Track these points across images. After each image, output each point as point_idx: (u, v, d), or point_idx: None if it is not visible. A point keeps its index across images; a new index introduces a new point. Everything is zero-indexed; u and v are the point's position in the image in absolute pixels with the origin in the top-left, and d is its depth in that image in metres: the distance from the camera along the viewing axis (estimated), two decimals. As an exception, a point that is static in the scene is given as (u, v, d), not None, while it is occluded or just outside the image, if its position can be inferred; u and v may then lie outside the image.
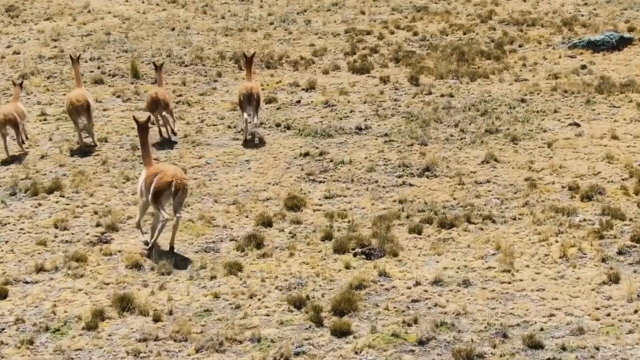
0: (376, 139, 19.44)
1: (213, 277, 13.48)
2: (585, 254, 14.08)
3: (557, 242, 14.44)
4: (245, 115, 19.16)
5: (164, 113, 19.27)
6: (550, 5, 31.62)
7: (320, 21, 31.05)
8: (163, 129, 19.72)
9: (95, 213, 15.72)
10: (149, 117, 16.00)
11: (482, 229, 15.10)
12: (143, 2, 33.52)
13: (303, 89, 23.23)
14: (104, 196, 16.47)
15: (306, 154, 18.48)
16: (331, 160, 18.18)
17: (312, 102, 22.14)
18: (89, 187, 16.74)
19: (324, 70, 24.87)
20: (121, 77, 24.02)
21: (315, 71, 24.99)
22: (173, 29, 29.56)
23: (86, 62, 25.29)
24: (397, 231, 15.03)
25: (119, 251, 14.39)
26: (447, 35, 28.65)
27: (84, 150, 18.73)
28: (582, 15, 29.99)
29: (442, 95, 22.46)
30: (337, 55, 26.65)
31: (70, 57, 20.44)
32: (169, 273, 13.58)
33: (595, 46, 25.81)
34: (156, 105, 19.08)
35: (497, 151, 18.50)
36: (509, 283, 13.20)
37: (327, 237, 14.78)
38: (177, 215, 14.09)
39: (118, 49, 26.82)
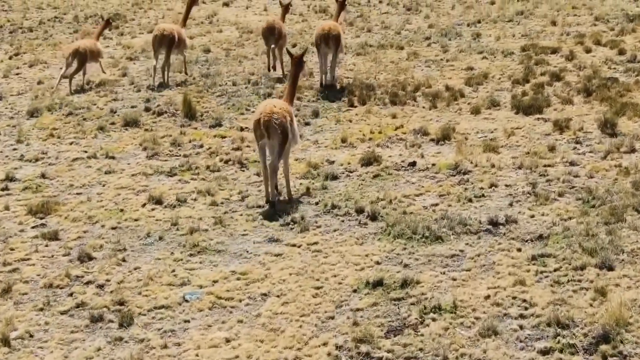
0: (519, 250, 9.82)
1: None
2: None
3: None
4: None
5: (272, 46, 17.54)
6: None
7: (494, 35, 21.44)
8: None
9: None
10: (306, 50, 13.24)
11: None
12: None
13: (432, 140, 13.90)
14: None
15: (377, 284, 9.10)
16: (417, 302, 8.72)
17: (433, 165, 12.72)
18: None
19: (473, 108, 15.39)
20: (170, 116, 15.37)
21: (461, 109, 15.54)
22: (294, 46, 20.73)
23: (139, 91, 16.84)
24: None
25: None
26: (668, 54, 18.44)
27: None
28: None
29: (652, 156, 12.59)
30: (502, 83, 17.06)
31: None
32: None
33: None
34: (270, 33, 17.29)
35: None
36: None
37: None
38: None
39: (198, 74, 18.21)
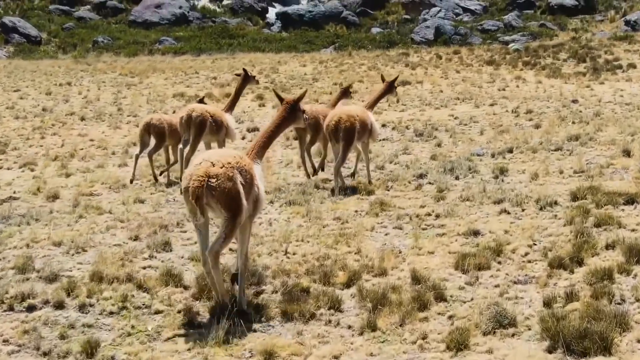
0: None
1: None
2: None
3: None
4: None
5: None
6: None
7: (529, 171, 12.69)
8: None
9: None
10: (305, 92, 8.52)
11: None
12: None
13: None
14: None
15: None
16: None
17: None
18: None
19: (455, 333, 6.45)
20: None
21: (427, 336, 6.61)
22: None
23: None
24: None
25: None
26: None
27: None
28: None
29: None
30: (527, 267, 8.21)
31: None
32: None
33: None
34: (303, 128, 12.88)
35: None
36: None
37: None
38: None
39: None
